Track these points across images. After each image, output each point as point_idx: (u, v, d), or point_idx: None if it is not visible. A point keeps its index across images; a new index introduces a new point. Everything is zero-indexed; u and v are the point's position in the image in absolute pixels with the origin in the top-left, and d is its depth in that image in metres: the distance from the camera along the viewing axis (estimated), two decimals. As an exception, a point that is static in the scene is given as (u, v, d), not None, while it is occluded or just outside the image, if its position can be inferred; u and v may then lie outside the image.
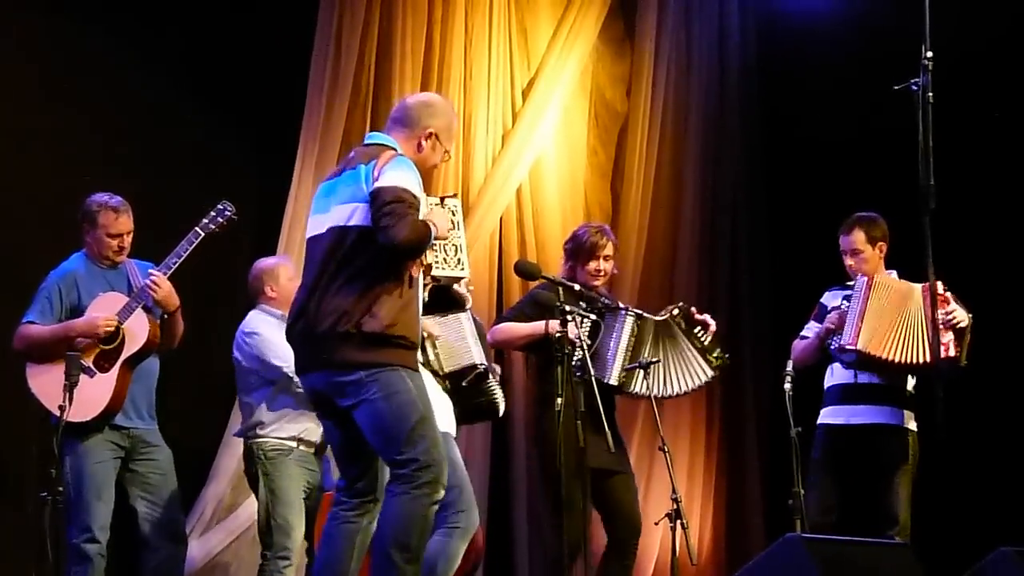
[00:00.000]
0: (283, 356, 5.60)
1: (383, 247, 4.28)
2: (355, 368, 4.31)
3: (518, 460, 7.83)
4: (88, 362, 5.37)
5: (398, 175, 4.34)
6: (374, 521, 4.42)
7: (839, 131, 8.41)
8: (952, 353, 5.68)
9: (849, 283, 6.02)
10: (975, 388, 6.61)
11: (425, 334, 5.00)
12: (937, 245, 4.64)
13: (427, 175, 4.64)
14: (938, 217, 4.55)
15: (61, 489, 5.13)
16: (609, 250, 5.87)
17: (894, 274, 6.05)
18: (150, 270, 5.56)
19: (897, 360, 5.77)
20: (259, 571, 5.71)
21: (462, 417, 5.43)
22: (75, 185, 5.95)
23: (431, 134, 4.61)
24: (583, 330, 5.55)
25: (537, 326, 5.61)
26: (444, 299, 5.20)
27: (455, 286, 5.10)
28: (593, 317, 5.69)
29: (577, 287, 5.56)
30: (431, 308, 5.06)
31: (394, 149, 4.51)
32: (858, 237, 5.99)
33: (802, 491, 5.63)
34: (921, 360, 5.75)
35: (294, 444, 5.72)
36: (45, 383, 5.37)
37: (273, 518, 5.65)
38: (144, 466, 5.54)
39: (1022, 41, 7.92)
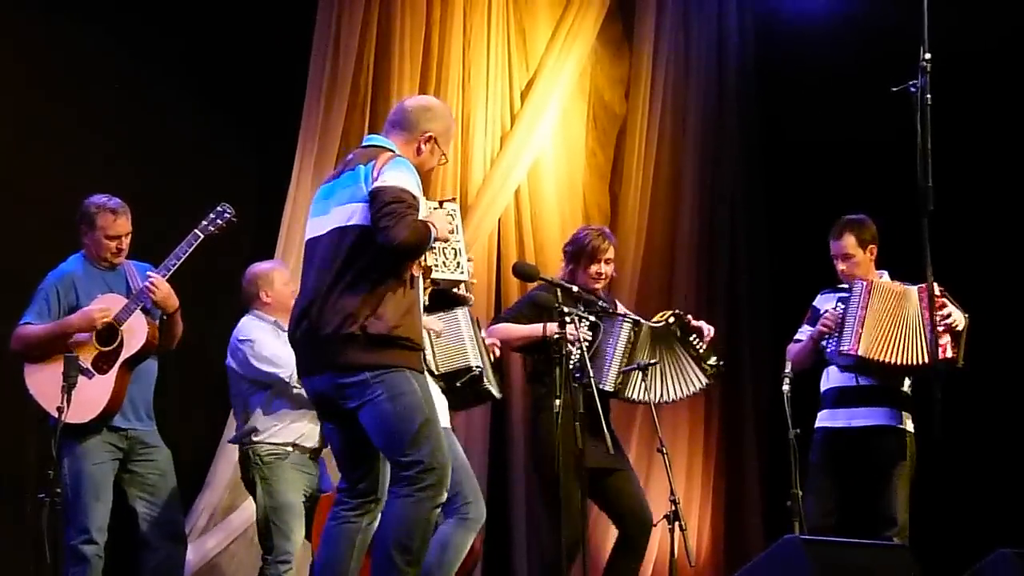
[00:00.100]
0: (279, 363, 5.61)
1: (383, 247, 4.27)
2: (360, 370, 4.30)
3: (516, 462, 7.82)
4: (86, 363, 5.37)
5: (397, 175, 4.34)
6: (375, 521, 4.42)
7: (837, 132, 8.42)
8: (949, 355, 5.68)
9: (841, 285, 6.03)
10: (973, 390, 6.61)
11: (427, 330, 5.00)
12: (935, 246, 4.65)
13: (424, 178, 4.64)
14: (936, 218, 4.55)
15: (59, 490, 5.12)
16: (610, 253, 5.87)
17: (886, 275, 6.06)
18: (148, 272, 5.56)
19: (896, 363, 5.77)
20: (259, 574, 5.70)
21: (455, 405, 5.44)
22: (74, 186, 5.95)
23: (430, 138, 4.61)
24: (582, 331, 5.54)
25: (535, 328, 5.61)
26: (444, 303, 5.20)
27: (455, 290, 5.10)
28: (591, 319, 5.69)
29: (575, 289, 5.56)
30: (431, 312, 5.07)
31: (393, 151, 4.51)
32: (849, 241, 5.99)
33: (800, 493, 5.63)
34: (919, 362, 5.75)
35: (291, 449, 5.71)
36: (43, 384, 5.37)
37: (273, 522, 5.64)
38: (143, 467, 5.54)
39: (1020, 43, 7.92)
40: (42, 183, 6.42)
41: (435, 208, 4.72)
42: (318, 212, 4.53)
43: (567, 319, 5.20)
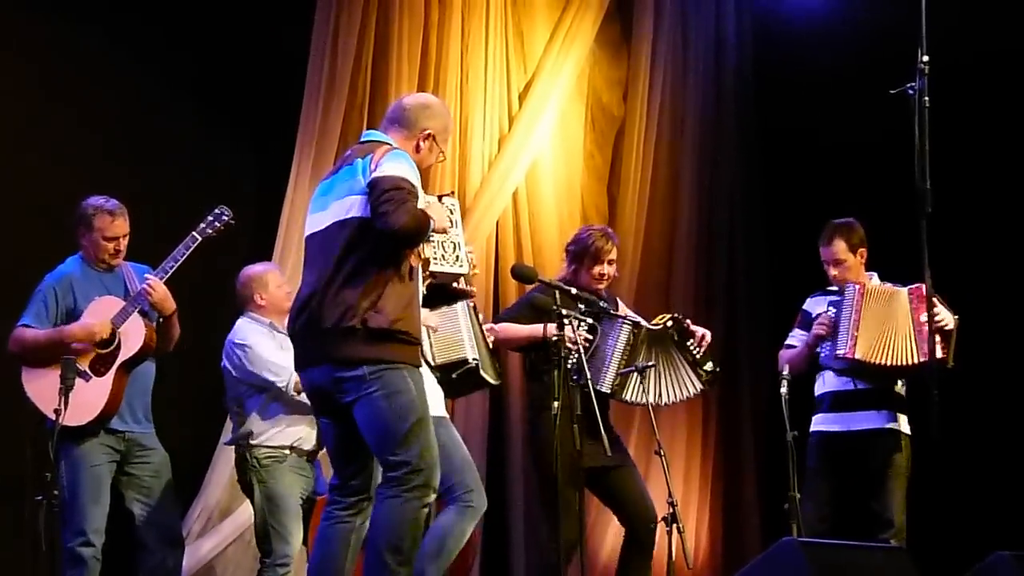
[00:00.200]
0: (276, 370, 5.60)
1: (382, 234, 4.25)
2: (359, 364, 4.30)
3: (514, 462, 7.82)
4: (84, 366, 5.36)
5: (396, 166, 4.34)
6: (368, 520, 4.42)
7: (835, 134, 8.42)
8: (939, 355, 5.69)
9: (831, 288, 6.04)
10: (971, 391, 6.61)
11: (424, 326, 5.00)
12: (932, 247, 4.65)
13: (422, 176, 4.63)
14: (933, 220, 4.55)
15: (56, 492, 5.12)
16: (613, 254, 5.86)
17: (875, 276, 6.07)
18: (146, 274, 5.55)
19: (890, 365, 5.79)
20: (257, 577, 5.71)
21: (453, 394, 5.44)
22: (72, 188, 5.94)
23: (428, 135, 4.61)
24: (580, 332, 5.54)
25: (537, 328, 5.60)
26: (445, 297, 5.20)
27: (455, 284, 5.09)
28: (590, 321, 5.69)
29: (574, 291, 5.55)
30: (429, 305, 5.06)
31: (390, 144, 4.51)
32: (839, 247, 6.00)
33: (798, 495, 5.63)
34: (911, 362, 5.77)
35: (288, 451, 5.71)
36: (41, 386, 5.37)
37: (271, 525, 5.64)
38: (140, 469, 5.54)
39: (1018, 45, 7.92)
40: (40, 184, 6.41)
41: (433, 202, 4.70)
42: (317, 209, 4.52)
43: (564, 321, 5.20)
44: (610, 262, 5.85)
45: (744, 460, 8.81)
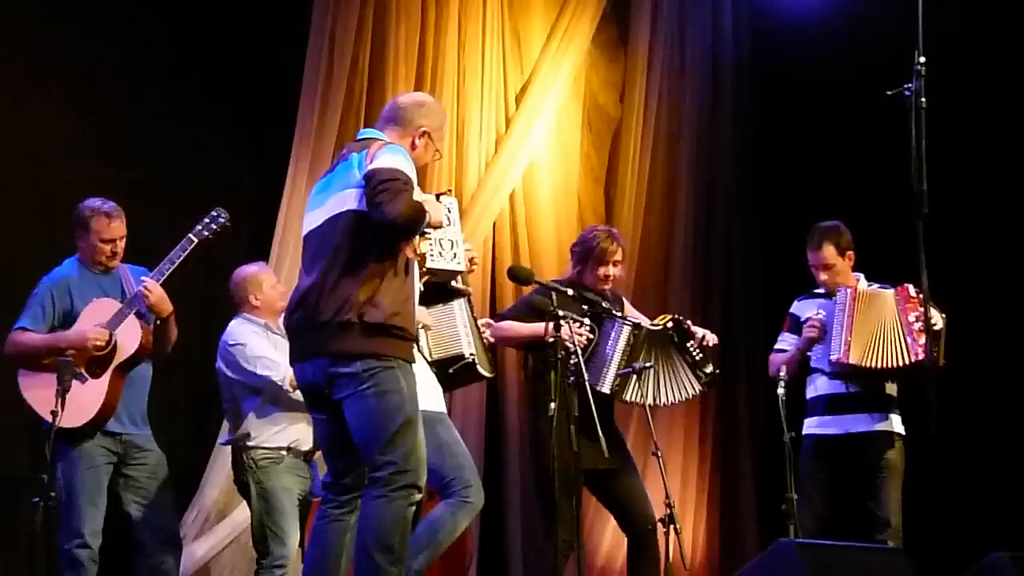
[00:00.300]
0: (271, 366, 5.60)
1: (379, 224, 4.25)
2: (354, 359, 4.29)
3: (512, 463, 7.82)
4: (80, 368, 5.35)
5: (392, 158, 4.34)
6: None
7: (833, 135, 8.42)
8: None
9: (817, 291, 6.06)
10: (967, 392, 6.62)
11: (419, 325, 4.99)
12: (928, 249, 4.64)
13: (419, 175, 4.63)
14: (929, 220, 4.55)
15: (53, 495, 5.11)
16: (618, 255, 5.84)
17: (862, 277, 6.08)
18: (142, 276, 5.54)
19: (882, 367, 5.80)
20: (254, 578, 5.71)
21: (448, 387, 5.44)
22: (69, 189, 5.94)
23: (424, 133, 4.61)
24: (582, 331, 5.54)
25: (539, 327, 5.58)
26: (442, 295, 5.19)
27: (452, 282, 5.09)
28: (588, 322, 5.68)
29: (571, 291, 5.54)
30: (426, 303, 5.06)
31: (386, 140, 4.51)
32: (829, 252, 6.00)
33: (795, 496, 5.63)
34: (902, 363, 5.79)
35: (285, 453, 5.70)
36: (37, 388, 5.35)
37: (268, 526, 5.63)
38: (137, 471, 5.52)
39: (1016, 46, 7.93)
40: (37, 186, 6.41)
41: (431, 199, 4.70)
42: (315, 206, 4.52)
43: (561, 323, 5.20)
44: (615, 263, 5.84)
45: (741, 461, 8.81)
